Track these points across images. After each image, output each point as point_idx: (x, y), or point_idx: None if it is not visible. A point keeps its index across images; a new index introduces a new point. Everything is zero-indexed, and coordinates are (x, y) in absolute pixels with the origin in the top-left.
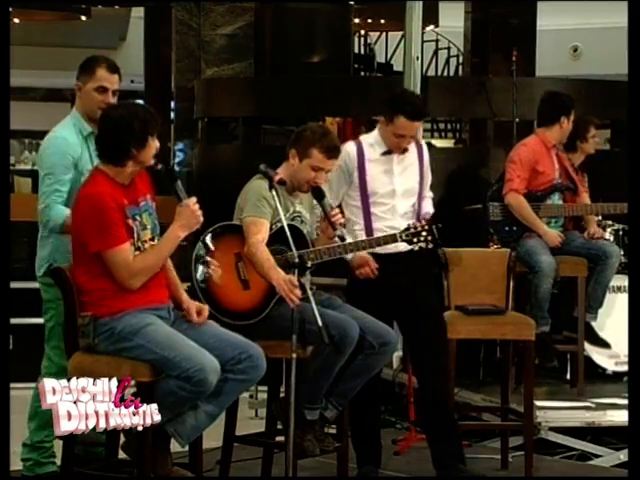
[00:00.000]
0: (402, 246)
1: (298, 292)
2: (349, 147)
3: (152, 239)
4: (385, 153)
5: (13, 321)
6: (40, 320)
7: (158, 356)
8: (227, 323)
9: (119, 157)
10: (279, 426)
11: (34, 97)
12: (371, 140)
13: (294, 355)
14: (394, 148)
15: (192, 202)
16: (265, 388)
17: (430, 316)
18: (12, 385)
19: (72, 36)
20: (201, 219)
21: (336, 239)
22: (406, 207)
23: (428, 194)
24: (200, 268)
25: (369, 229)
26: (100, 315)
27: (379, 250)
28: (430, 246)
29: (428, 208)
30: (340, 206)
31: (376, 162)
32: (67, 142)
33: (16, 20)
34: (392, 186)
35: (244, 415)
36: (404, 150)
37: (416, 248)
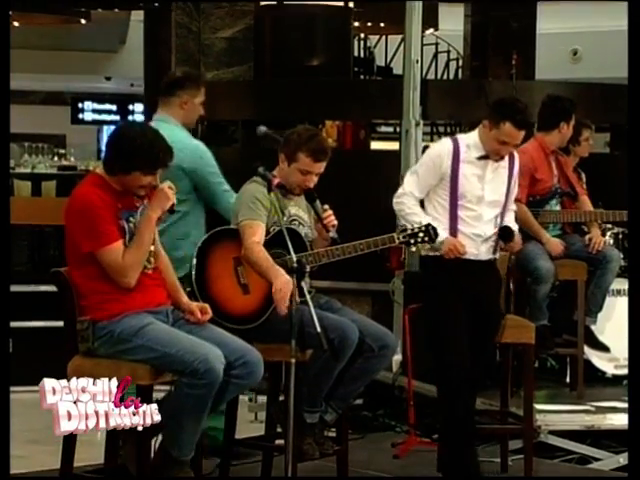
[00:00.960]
0: (484, 254)
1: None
2: (446, 144)
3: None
4: (481, 157)
5: (13, 324)
6: (39, 323)
7: (159, 353)
8: (227, 327)
9: (107, 168)
10: (279, 429)
11: (34, 100)
12: (469, 141)
13: (293, 360)
14: (492, 154)
15: (167, 185)
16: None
17: (494, 329)
18: (12, 388)
19: (72, 39)
20: (173, 199)
21: (330, 240)
22: (491, 215)
23: (512, 207)
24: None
25: (453, 232)
26: (99, 319)
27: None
28: (427, 247)
29: (510, 223)
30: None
31: (470, 165)
32: None
33: (16, 23)
34: (481, 192)
35: (244, 418)
36: (500, 157)
37: (413, 249)
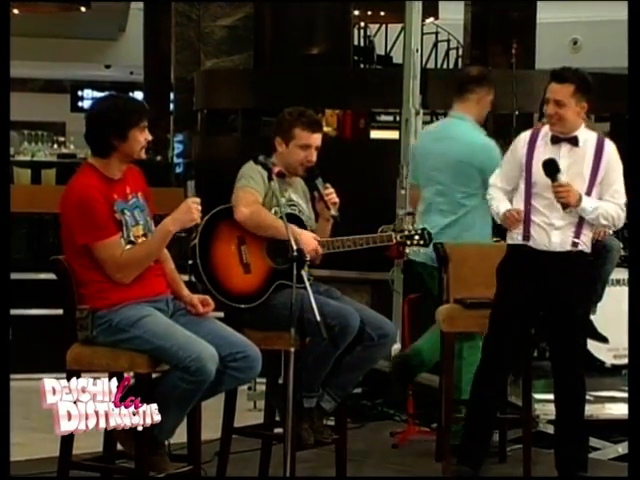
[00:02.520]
0: (557, 245)
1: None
2: (526, 132)
3: (145, 235)
4: (553, 141)
5: (12, 312)
6: (39, 311)
7: (155, 346)
8: (228, 306)
9: (101, 149)
10: (277, 418)
11: (33, 88)
12: (548, 130)
13: (292, 349)
14: (546, 117)
15: (192, 200)
16: (263, 380)
17: (565, 326)
18: (11, 376)
19: (72, 27)
20: (196, 218)
21: (331, 219)
22: (566, 208)
23: (613, 200)
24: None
25: (527, 221)
26: (98, 308)
27: (533, 245)
28: (421, 250)
29: (588, 199)
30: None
31: (545, 150)
32: None
33: (16, 11)
34: None
35: (243, 407)
36: (574, 141)
37: (407, 250)
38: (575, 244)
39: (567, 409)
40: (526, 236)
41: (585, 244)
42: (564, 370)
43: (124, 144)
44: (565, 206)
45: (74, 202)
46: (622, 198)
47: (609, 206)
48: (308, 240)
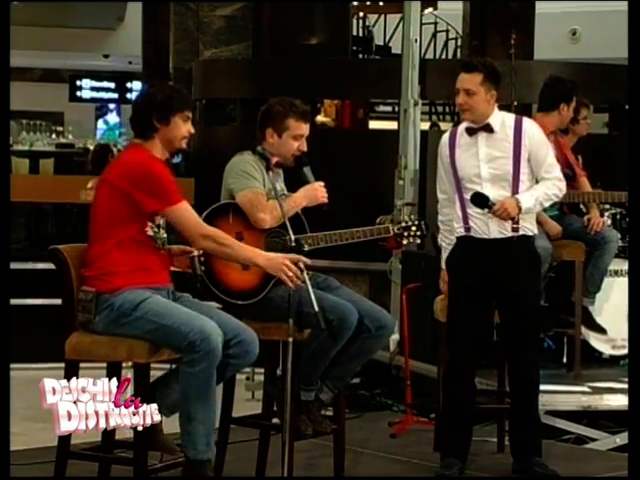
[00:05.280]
0: (496, 232)
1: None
2: (444, 136)
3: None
4: (468, 130)
5: (11, 302)
6: (37, 301)
7: (157, 326)
8: (227, 302)
9: (145, 130)
10: (275, 408)
11: (32, 78)
12: (464, 124)
13: (290, 339)
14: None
15: (319, 184)
16: (262, 370)
17: (517, 309)
18: (11, 365)
19: (70, 17)
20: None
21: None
22: (496, 194)
23: (546, 174)
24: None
25: (464, 214)
26: (102, 291)
27: (475, 235)
28: (418, 241)
29: (523, 194)
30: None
31: (465, 145)
32: None
33: (15, 2)
34: (477, 169)
35: (241, 397)
36: (489, 128)
37: (404, 242)
38: (515, 229)
39: (520, 394)
40: (467, 228)
41: (527, 227)
42: (517, 356)
43: (166, 128)
44: (512, 219)
45: (142, 171)
46: (556, 169)
47: (545, 186)
48: (313, 194)
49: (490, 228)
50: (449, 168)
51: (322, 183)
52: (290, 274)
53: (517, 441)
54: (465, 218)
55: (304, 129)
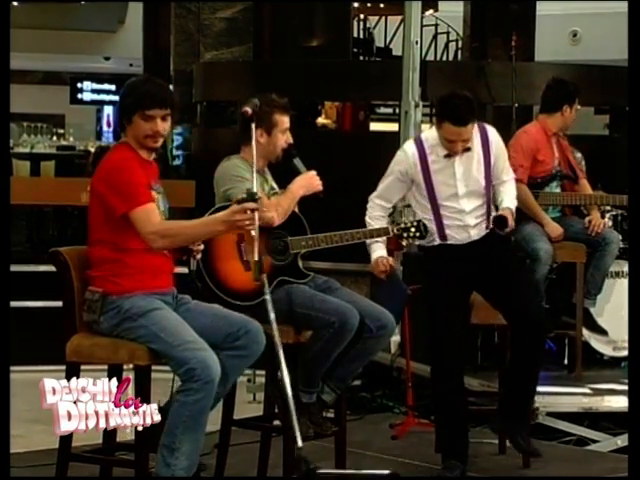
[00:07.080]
0: (475, 236)
1: None
2: (409, 152)
3: None
4: (447, 156)
5: (11, 304)
6: (38, 303)
7: (160, 341)
8: (228, 302)
9: (120, 127)
10: (277, 410)
11: (33, 80)
12: (432, 141)
13: (278, 341)
14: (450, 152)
15: (312, 173)
16: (263, 372)
17: (516, 274)
18: (11, 368)
19: (71, 19)
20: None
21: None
22: (472, 206)
23: (506, 177)
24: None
25: (440, 225)
26: (109, 292)
27: (454, 242)
28: (417, 242)
29: (507, 201)
30: None
31: (440, 165)
32: None
33: (15, 3)
34: (455, 189)
35: (242, 399)
36: (463, 151)
37: (404, 243)
38: (490, 228)
39: (526, 342)
40: (443, 236)
41: None
42: (521, 302)
43: (129, 127)
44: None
45: (114, 173)
46: (511, 170)
47: (510, 188)
48: (308, 182)
49: (471, 235)
50: (421, 188)
51: (314, 172)
52: (247, 222)
53: (510, 403)
54: (441, 231)
55: (287, 122)
